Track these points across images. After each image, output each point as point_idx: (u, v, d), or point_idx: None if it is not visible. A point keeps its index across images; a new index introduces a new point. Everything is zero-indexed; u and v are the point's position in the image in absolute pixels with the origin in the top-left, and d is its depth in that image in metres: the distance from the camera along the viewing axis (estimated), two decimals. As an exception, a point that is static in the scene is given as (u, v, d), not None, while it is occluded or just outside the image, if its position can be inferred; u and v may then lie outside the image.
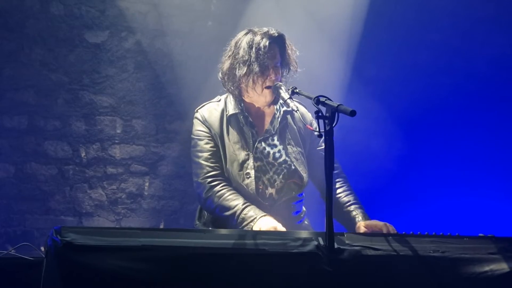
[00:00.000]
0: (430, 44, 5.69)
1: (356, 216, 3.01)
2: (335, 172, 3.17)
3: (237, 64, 2.98)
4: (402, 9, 5.55)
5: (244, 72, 2.95)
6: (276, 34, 3.00)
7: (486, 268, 2.38)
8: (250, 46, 2.95)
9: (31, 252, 2.67)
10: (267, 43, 2.95)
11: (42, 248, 2.76)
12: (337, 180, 3.13)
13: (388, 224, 2.86)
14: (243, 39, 3.01)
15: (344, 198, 3.10)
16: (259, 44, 2.94)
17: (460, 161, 5.61)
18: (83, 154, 5.18)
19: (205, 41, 5.35)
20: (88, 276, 2.02)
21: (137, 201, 5.30)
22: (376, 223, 2.89)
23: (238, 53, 2.98)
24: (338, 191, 3.12)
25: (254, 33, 3.00)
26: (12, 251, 2.61)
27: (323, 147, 3.22)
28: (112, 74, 5.26)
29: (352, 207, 3.06)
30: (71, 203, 5.13)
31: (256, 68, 2.93)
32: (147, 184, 5.32)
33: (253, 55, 2.93)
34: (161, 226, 5.26)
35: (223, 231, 2.41)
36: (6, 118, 5.00)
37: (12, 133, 5.00)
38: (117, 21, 5.25)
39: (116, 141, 5.27)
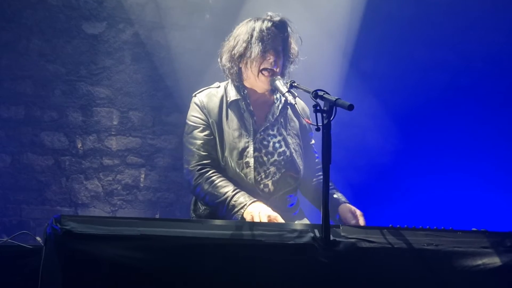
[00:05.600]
0: (427, 40, 5.72)
1: (340, 197, 3.10)
2: (318, 167, 3.22)
3: (237, 43, 3.00)
4: (399, 4, 5.58)
5: (243, 50, 2.98)
6: (279, 19, 3.03)
7: (479, 262, 2.42)
8: (252, 28, 2.99)
9: (28, 241, 2.68)
10: (269, 25, 2.99)
11: (38, 238, 2.77)
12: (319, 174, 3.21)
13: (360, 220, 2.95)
14: (247, 24, 3.05)
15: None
16: (261, 26, 2.98)
17: (455, 156, 5.65)
18: (79, 145, 5.18)
19: (203, 34, 5.35)
20: (87, 264, 2.04)
21: (133, 192, 5.31)
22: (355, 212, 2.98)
23: (240, 34, 3.02)
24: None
25: (258, 18, 3.05)
26: (8, 240, 2.62)
27: (313, 142, 3.27)
28: (109, 65, 5.25)
29: (334, 191, 3.15)
30: (67, 193, 5.14)
31: (255, 48, 2.95)
32: (143, 176, 5.34)
33: (254, 35, 2.96)
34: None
35: (221, 221, 2.43)
36: (3, 108, 4.99)
37: (9, 123, 5.00)
38: (114, 12, 5.24)
39: (113, 133, 5.28)
